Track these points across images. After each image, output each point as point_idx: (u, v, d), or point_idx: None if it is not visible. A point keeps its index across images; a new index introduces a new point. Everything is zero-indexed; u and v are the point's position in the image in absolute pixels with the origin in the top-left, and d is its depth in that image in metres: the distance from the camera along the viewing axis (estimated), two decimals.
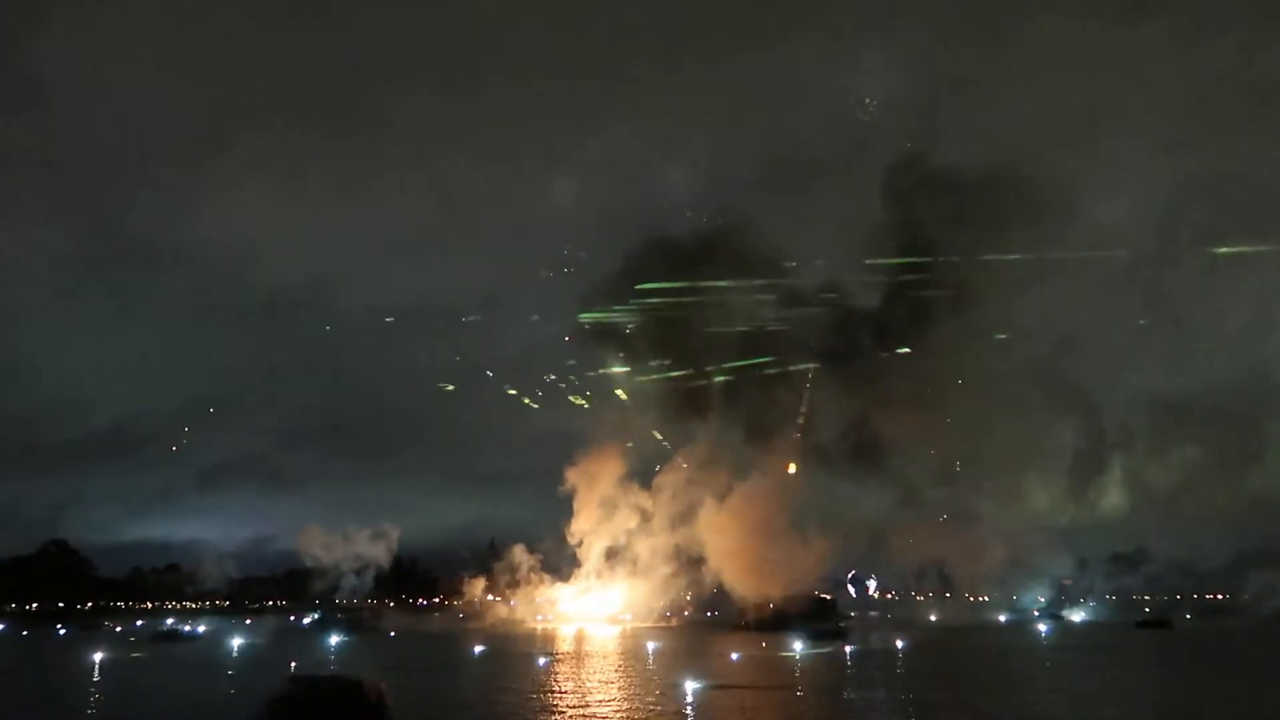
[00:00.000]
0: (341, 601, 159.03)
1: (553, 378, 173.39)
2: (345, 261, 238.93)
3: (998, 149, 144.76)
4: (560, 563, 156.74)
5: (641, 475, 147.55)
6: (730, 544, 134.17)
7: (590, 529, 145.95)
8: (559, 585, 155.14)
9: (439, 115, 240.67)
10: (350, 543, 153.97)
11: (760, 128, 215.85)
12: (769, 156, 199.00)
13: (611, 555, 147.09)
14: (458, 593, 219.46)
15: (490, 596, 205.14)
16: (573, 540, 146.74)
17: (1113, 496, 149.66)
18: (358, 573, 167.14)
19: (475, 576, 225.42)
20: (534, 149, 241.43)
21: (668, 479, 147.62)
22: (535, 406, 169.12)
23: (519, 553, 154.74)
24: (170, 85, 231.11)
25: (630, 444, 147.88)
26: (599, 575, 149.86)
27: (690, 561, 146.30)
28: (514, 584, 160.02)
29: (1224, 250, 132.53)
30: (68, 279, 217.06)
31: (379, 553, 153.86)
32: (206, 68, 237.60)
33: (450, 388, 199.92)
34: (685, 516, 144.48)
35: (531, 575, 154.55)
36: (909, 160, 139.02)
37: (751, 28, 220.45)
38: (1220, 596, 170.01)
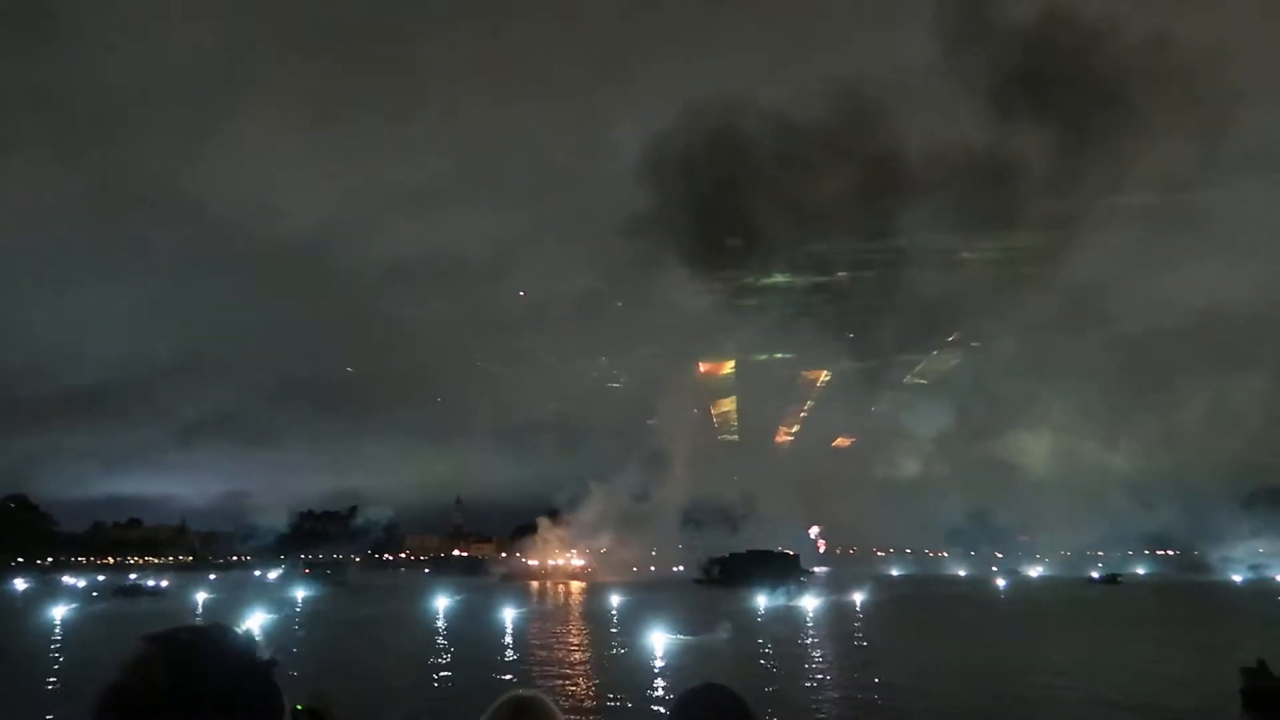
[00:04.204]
0: (307, 556, 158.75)
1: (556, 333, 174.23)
2: (358, 213, 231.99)
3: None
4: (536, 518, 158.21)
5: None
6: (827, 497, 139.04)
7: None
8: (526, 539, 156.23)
9: (469, 57, 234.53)
10: None
11: (809, 64, 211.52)
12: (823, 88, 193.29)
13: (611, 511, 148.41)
14: (423, 548, 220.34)
15: (458, 552, 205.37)
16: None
17: (1104, 449, 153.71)
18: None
19: (442, 533, 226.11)
20: (566, 96, 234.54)
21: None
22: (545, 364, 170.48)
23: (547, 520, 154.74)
24: (188, 20, 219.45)
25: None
26: (583, 529, 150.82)
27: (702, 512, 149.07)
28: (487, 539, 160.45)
29: None
30: (66, 226, 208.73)
31: None
32: (225, 2, 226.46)
33: (446, 344, 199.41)
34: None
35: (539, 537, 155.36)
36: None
37: None
38: (1173, 553, 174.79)
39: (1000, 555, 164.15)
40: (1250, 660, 30.70)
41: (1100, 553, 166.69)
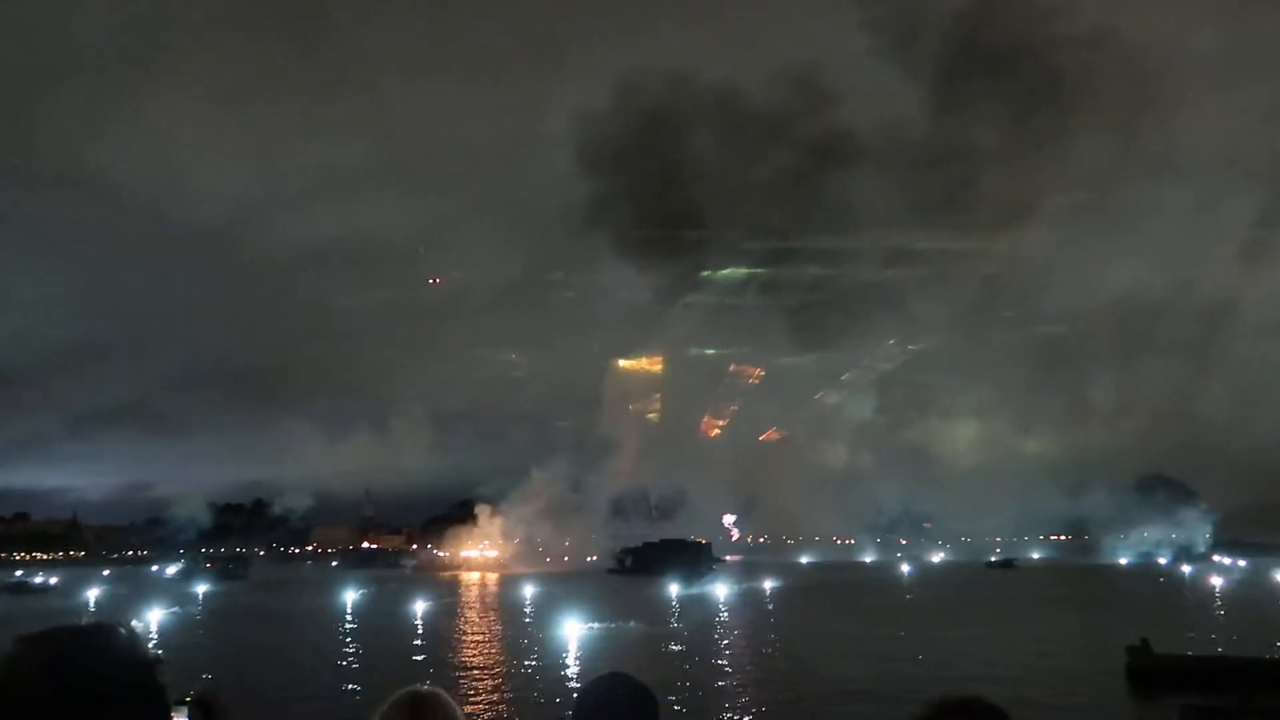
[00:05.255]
0: (208, 550, 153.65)
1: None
2: (271, 195, 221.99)
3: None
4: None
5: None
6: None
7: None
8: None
9: (390, 32, 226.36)
10: None
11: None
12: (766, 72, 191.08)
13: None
14: (330, 540, 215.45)
15: (367, 544, 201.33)
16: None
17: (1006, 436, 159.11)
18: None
19: (351, 525, 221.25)
20: (493, 76, 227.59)
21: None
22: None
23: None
24: None
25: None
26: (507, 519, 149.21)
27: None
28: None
29: None
30: None
31: None
32: None
33: (359, 332, 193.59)
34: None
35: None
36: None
37: None
38: (1066, 538, 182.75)
39: (904, 542, 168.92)
40: (1134, 639, 32.35)
41: (998, 538, 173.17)
